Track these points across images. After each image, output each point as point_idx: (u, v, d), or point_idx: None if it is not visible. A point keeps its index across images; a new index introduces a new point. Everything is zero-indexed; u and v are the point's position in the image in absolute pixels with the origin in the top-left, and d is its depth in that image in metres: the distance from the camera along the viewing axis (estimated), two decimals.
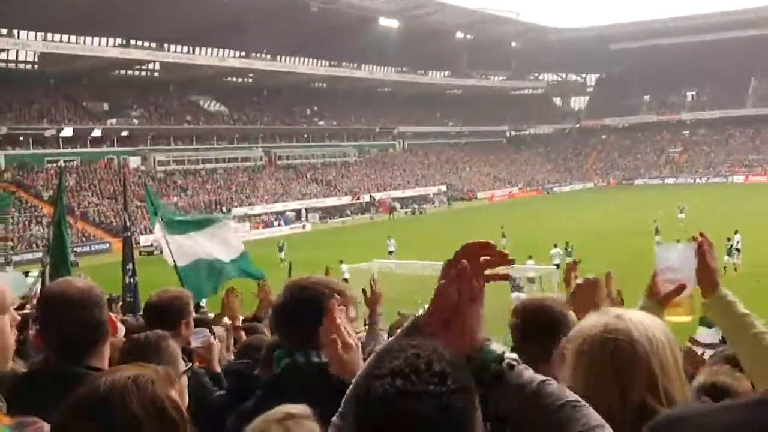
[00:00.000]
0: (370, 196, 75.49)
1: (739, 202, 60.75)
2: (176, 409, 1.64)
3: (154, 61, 75.32)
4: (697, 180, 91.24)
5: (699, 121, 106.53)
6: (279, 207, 67.32)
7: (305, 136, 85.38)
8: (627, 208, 62.52)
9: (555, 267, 29.72)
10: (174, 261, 9.38)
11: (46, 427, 2.18)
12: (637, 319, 1.78)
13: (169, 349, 2.96)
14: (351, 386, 1.52)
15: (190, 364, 3.04)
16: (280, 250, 38.69)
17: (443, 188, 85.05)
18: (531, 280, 26.37)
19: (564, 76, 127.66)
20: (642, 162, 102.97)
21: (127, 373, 1.65)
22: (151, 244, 41.92)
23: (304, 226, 63.19)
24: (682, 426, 1.00)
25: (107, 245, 49.25)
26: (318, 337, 2.33)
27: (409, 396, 1.27)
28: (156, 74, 78.82)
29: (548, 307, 2.85)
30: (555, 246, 31.62)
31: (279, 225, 62.43)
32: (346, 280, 30.18)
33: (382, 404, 1.28)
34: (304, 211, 67.94)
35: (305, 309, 2.46)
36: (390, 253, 38.12)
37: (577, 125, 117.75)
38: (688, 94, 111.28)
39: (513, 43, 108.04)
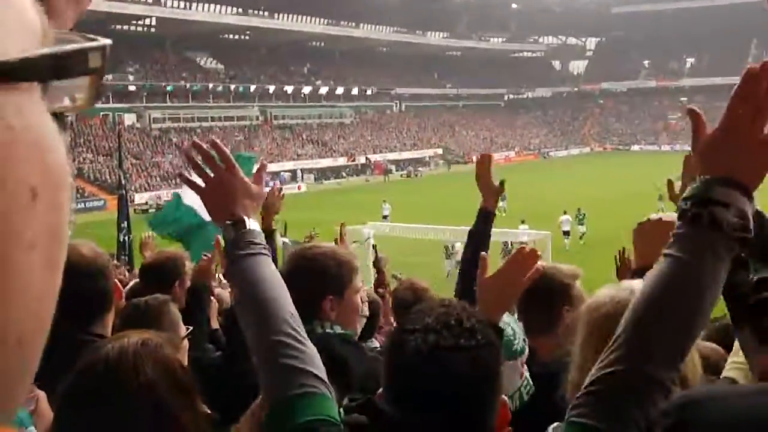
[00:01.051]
0: (366, 157, 75.29)
1: None
2: (186, 373, 1.65)
3: (150, 17, 74.35)
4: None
5: (698, 88, 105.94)
6: (274, 167, 66.99)
7: (302, 95, 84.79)
8: (625, 173, 62.52)
9: (564, 234, 29.91)
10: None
11: (41, 395, 2.15)
12: None
13: (170, 314, 2.97)
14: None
15: (190, 328, 3.04)
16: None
17: (439, 151, 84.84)
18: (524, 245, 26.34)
19: (564, 40, 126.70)
20: (639, 128, 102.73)
21: (135, 338, 1.64)
22: (146, 202, 41.74)
23: (299, 187, 63.03)
24: (712, 408, 0.97)
25: (102, 202, 49.11)
26: (323, 310, 2.44)
27: (441, 349, 1.36)
28: (152, 30, 77.94)
29: (549, 276, 2.77)
30: (564, 213, 30.74)
31: (274, 185, 62.16)
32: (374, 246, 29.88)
33: (415, 357, 1.36)
34: (299, 172, 67.77)
35: (310, 279, 2.43)
36: (384, 217, 37.78)
37: (576, 89, 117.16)
38: (688, 60, 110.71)
39: (513, 5, 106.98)
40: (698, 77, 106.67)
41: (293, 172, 67.36)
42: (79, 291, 2.50)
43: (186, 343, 2.68)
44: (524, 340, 2.22)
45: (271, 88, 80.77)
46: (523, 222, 28.42)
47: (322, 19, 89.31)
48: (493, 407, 1.43)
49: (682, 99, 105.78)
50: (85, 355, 1.62)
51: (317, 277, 2.46)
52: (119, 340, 1.65)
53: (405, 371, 1.40)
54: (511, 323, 2.23)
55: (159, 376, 1.57)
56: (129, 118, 67.12)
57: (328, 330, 2.48)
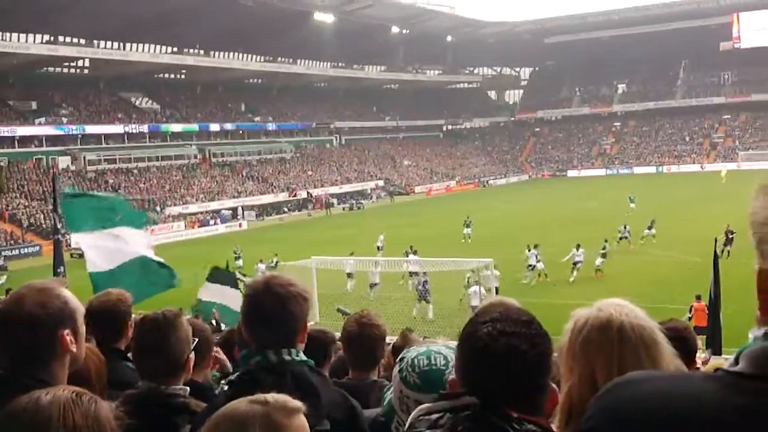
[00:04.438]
0: (307, 192, 75.09)
1: (676, 190, 62.48)
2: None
3: (84, 58, 73.32)
4: (628, 171, 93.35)
5: (629, 113, 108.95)
6: (215, 205, 66.42)
7: (240, 132, 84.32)
8: (562, 199, 63.64)
9: (529, 267, 30.09)
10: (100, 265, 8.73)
11: None
12: (631, 308, 1.86)
13: (184, 325, 3.07)
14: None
15: (196, 339, 3.16)
16: (238, 257, 35.57)
17: (380, 183, 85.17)
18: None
19: (499, 70, 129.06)
20: (575, 154, 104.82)
21: (70, 390, 1.65)
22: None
23: (240, 225, 62.50)
24: (628, 388, 1.03)
25: (37, 248, 47.82)
26: (294, 338, 2.63)
27: (506, 335, 1.67)
28: (85, 71, 76.78)
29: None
30: (529, 248, 30.57)
31: (215, 223, 61.61)
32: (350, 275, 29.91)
33: (486, 340, 1.68)
34: (240, 209, 67.20)
35: (281, 311, 2.58)
36: (378, 248, 37.57)
37: (512, 118, 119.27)
38: (619, 86, 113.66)
39: (448, 38, 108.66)
40: (629, 102, 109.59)
41: (234, 209, 66.73)
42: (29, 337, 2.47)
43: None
44: None
45: (210, 127, 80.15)
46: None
47: (258, 56, 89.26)
48: (545, 388, 1.72)
49: (615, 124, 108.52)
50: (21, 397, 1.62)
51: (301, 308, 2.64)
52: (56, 389, 1.64)
53: (479, 351, 1.68)
54: (443, 352, 2.27)
55: (86, 424, 1.57)
56: (63, 161, 65.69)
57: (295, 357, 2.60)
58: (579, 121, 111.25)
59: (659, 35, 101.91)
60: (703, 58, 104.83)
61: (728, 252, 27.08)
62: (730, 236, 28.74)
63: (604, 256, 30.53)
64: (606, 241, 31.96)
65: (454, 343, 2.10)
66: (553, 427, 1.81)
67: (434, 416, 1.71)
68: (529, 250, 30.36)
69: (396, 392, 2.32)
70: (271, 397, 1.72)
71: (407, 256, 31.06)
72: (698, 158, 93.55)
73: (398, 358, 2.38)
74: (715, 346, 13.43)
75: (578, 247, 30.29)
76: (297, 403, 1.71)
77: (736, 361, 0.93)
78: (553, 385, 1.77)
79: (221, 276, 14.14)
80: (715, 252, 14.71)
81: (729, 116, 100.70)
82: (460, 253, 32.05)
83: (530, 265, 30.06)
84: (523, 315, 1.77)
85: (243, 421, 1.65)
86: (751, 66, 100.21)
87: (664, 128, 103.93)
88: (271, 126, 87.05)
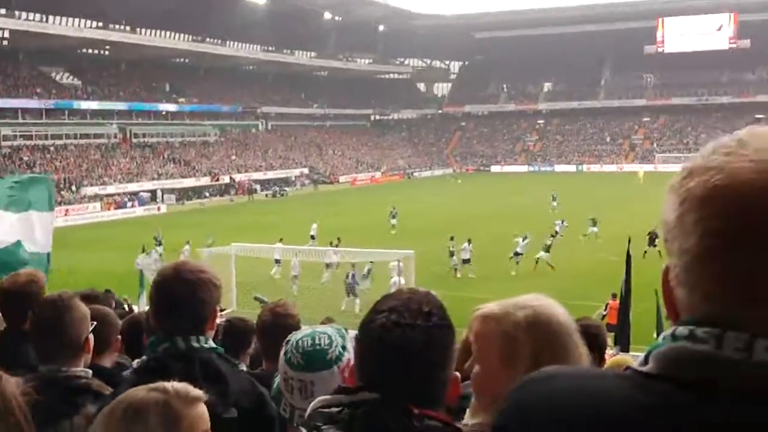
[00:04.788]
0: (230, 177, 74.02)
1: (596, 189, 63.95)
2: (22, 409, 1.69)
3: (3, 29, 70.27)
4: (549, 168, 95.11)
5: (553, 112, 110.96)
6: (133, 187, 64.80)
7: (164, 113, 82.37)
8: (484, 193, 64.38)
9: (465, 261, 30.23)
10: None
11: None
12: (549, 303, 1.82)
13: (80, 306, 3.05)
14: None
15: (95, 323, 3.11)
16: (159, 243, 33.87)
17: (305, 170, 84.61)
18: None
19: (429, 62, 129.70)
20: (499, 149, 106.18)
21: None
22: None
23: (159, 208, 61.20)
24: (542, 384, 1.06)
25: None
26: (203, 326, 2.64)
27: (400, 327, 1.61)
28: (4, 42, 73.70)
29: None
30: (469, 241, 30.66)
31: (132, 206, 60.13)
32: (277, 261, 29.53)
33: (381, 331, 1.61)
34: (159, 192, 65.77)
35: (190, 297, 2.58)
36: (312, 237, 36.80)
37: (440, 111, 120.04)
38: (545, 84, 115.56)
39: (380, 27, 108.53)
40: (554, 101, 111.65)
41: (153, 192, 65.26)
42: None
43: None
44: (343, 347, 2.25)
45: (132, 106, 78.00)
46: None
47: (187, 35, 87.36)
48: (445, 381, 1.67)
49: (539, 122, 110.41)
50: None
51: (211, 294, 2.64)
52: None
53: (370, 344, 1.64)
54: (328, 332, 2.30)
55: None
56: None
57: (204, 344, 2.61)
58: (505, 117, 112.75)
59: (585, 36, 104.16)
60: (626, 61, 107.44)
61: (645, 252, 27.64)
62: (655, 238, 29.30)
63: (547, 250, 30.86)
64: (552, 236, 32.76)
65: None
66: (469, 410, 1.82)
67: (333, 410, 1.63)
68: (468, 243, 30.61)
69: (281, 374, 2.32)
70: (171, 385, 1.72)
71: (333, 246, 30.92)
72: (617, 159, 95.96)
73: (285, 341, 2.36)
74: (623, 344, 13.67)
75: (524, 238, 31.10)
76: (198, 392, 1.72)
77: (646, 361, 0.97)
78: (455, 373, 1.71)
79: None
80: (628, 251, 14.95)
81: (649, 119, 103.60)
82: (388, 244, 32.05)
83: (465, 259, 30.23)
84: (425, 305, 1.66)
85: (140, 408, 1.66)
86: (672, 70, 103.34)
87: (586, 128, 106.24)
88: (196, 108, 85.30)
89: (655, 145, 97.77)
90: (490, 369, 1.76)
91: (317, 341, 2.27)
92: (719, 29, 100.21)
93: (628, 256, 14.70)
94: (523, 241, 31.18)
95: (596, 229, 36.75)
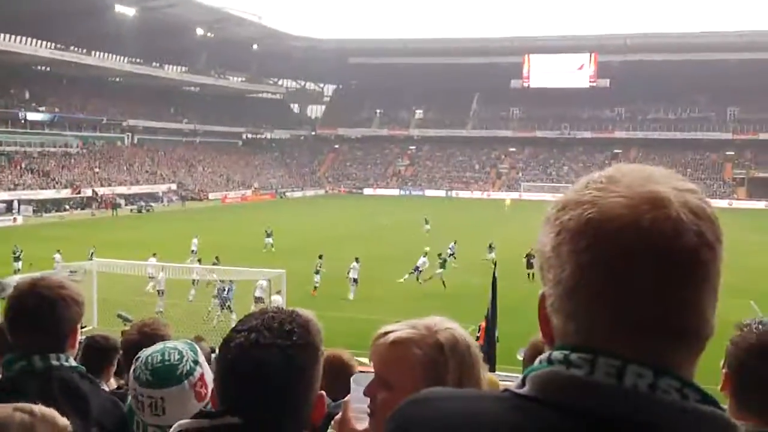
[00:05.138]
0: (93, 190, 71.06)
1: (465, 214, 65.40)
2: None
3: None
4: (420, 192, 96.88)
5: (425, 138, 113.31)
6: None
7: (22, 122, 78.20)
8: (356, 215, 64.71)
9: (352, 281, 29.97)
10: None
11: None
12: (454, 324, 1.80)
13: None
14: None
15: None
16: (17, 258, 32.71)
17: (173, 186, 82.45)
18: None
19: (303, 84, 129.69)
20: (371, 172, 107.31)
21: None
22: None
23: (15, 219, 58.13)
24: (423, 406, 1.06)
25: None
26: (63, 343, 2.52)
27: (259, 347, 1.55)
28: None
29: None
30: (356, 260, 30.50)
31: None
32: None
33: (237, 352, 1.55)
34: (16, 203, 62.42)
35: (48, 314, 2.47)
36: (193, 252, 36.17)
37: (313, 133, 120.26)
38: (417, 111, 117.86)
39: (254, 46, 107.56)
40: (425, 128, 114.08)
41: (9, 203, 61.83)
42: None
43: None
44: (195, 362, 2.22)
45: None
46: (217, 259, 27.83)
47: (48, 43, 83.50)
48: (309, 401, 1.61)
49: (411, 147, 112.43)
50: None
51: (71, 311, 2.52)
52: None
53: (227, 366, 1.58)
54: (179, 347, 2.25)
55: None
56: None
57: (64, 363, 2.50)
58: (377, 141, 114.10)
59: (455, 68, 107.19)
60: (494, 93, 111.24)
61: (532, 274, 28.49)
62: (531, 261, 30.29)
63: (443, 266, 31.65)
64: (451, 251, 34.23)
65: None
66: None
67: None
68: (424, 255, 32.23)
69: (131, 392, 2.27)
70: (39, 408, 1.65)
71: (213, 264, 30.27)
72: (485, 186, 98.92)
73: (135, 358, 2.30)
74: (490, 363, 13.96)
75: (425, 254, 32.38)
76: (64, 422, 1.65)
77: (523, 383, 0.99)
78: (320, 393, 1.64)
79: None
80: (494, 275, 15.36)
81: (515, 149, 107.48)
82: (262, 262, 31.58)
83: (353, 279, 30.03)
84: (287, 323, 1.59)
85: (3, 427, 1.59)
86: (537, 105, 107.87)
87: (456, 155, 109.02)
88: (57, 118, 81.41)
89: (520, 174, 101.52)
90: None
91: (167, 357, 2.21)
92: (581, 68, 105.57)
93: (494, 279, 15.14)
94: (423, 257, 32.31)
95: (493, 255, 35.62)
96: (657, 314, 0.89)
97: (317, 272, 30.52)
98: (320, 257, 31.21)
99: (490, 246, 37.68)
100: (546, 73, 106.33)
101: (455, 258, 36.26)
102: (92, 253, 31.50)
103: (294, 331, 1.58)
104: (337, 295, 29.20)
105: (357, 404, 1.64)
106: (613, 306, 0.90)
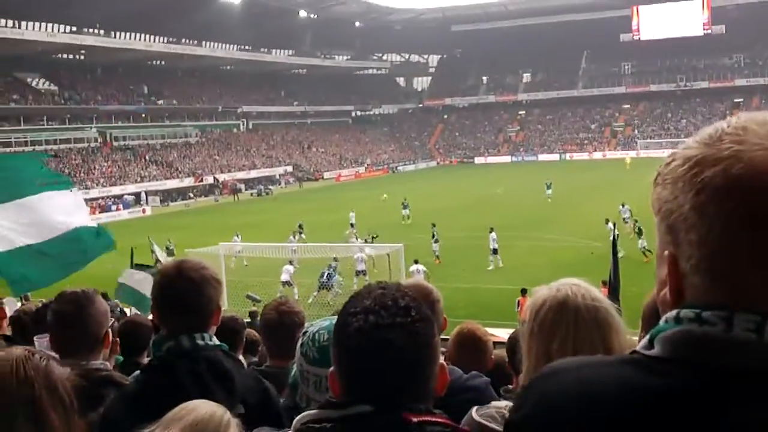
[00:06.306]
0: (214, 177, 73.70)
1: (583, 176, 63.97)
2: (67, 390, 1.76)
3: None
4: (533, 158, 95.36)
5: (534, 102, 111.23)
6: (116, 190, 64.44)
7: (143, 116, 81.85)
8: (475, 184, 64.27)
9: (492, 251, 29.42)
10: None
11: None
12: (587, 288, 1.91)
13: (101, 301, 3.11)
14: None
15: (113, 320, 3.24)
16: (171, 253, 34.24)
17: (289, 168, 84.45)
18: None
19: (407, 57, 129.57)
20: (481, 141, 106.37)
21: (22, 349, 1.80)
22: None
23: (144, 210, 60.93)
24: (555, 378, 1.07)
25: None
26: (207, 323, 2.63)
27: (381, 327, 1.49)
28: None
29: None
30: (491, 230, 29.57)
31: (117, 209, 59.75)
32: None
33: (359, 335, 1.49)
34: (143, 194, 65.42)
35: (195, 295, 2.58)
36: (351, 225, 37.78)
37: (420, 105, 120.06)
38: (524, 75, 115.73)
39: (357, 23, 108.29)
40: (533, 92, 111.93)
41: (137, 194, 64.90)
42: None
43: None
44: None
45: (110, 109, 77.44)
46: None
47: (161, 37, 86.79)
48: (434, 374, 1.57)
49: (520, 113, 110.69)
50: None
51: (215, 291, 2.65)
52: (8, 348, 1.79)
53: (350, 351, 1.52)
54: None
55: (40, 382, 1.68)
56: None
57: (209, 342, 2.60)
58: (485, 108, 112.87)
59: (561, 26, 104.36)
60: (603, 50, 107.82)
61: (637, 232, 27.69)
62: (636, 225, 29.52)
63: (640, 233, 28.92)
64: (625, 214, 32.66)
65: None
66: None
67: (327, 425, 1.53)
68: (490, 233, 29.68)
69: (298, 365, 2.33)
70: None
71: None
72: (600, 146, 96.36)
73: (303, 332, 2.37)
74: None
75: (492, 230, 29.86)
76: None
77: (650, 344, 0.98)
78: (442, 362, 1.61)
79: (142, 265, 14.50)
80: (614, 236, 15.09)
81: (629, 106, 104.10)
82: (401, 234, 32.39)
83: (492, 249, 29.29)
84: (400, 299, 1.55)
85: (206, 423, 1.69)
86: (649, 57, 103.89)
87: (567, 117, 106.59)
88: (175, 109, 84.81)
89: (636, 131, 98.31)
90: (547, 355, 1.84)
91: None
92: (693, 16, 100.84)
93: (614, 241, 14.88)
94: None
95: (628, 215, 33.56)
96: None
97: (436, 241, 30.72)
98: (434, 225, 31.39)
99: (622, 205, 34.79)
100: (656, 23, 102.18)
101: (627, 222, 32.81)
102: (239, 236, 33.31)
103: (411, 306, 1.54)
104: (456, 265, 29.35)
105: None
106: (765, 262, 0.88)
